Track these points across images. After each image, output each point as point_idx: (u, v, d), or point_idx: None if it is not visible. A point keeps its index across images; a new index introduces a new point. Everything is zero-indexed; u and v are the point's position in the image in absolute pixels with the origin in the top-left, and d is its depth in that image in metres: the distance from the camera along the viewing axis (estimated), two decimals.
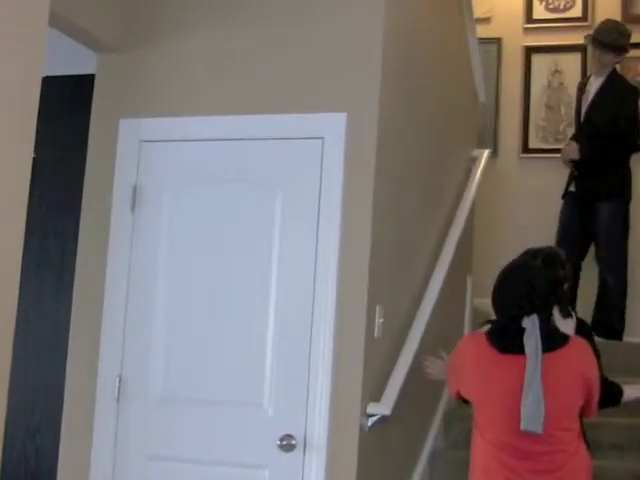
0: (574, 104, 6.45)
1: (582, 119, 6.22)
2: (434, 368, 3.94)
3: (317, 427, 3.75)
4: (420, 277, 4.67)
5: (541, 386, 3.18)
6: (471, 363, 3.43)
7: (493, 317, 3.84)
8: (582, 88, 6.32)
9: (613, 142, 5.97)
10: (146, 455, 3.96)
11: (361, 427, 3.76)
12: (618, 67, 6.31)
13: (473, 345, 3.48)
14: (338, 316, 3.78)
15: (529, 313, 3.31)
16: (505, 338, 3.35)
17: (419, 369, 4.01)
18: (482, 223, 6.46)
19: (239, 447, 3.85)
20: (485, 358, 3.36)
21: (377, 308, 3.90)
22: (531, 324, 3.29)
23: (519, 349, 3.28)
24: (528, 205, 6.84)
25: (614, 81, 6.17)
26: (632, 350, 5.68)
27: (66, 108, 4.57)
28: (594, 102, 6.12)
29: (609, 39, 6.02)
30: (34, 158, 3.15)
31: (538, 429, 3.18)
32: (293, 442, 3.75)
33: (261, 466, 3.81)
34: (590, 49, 6.29)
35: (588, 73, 6.57)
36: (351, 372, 3.76)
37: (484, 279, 5.86)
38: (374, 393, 3.88)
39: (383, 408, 3.85)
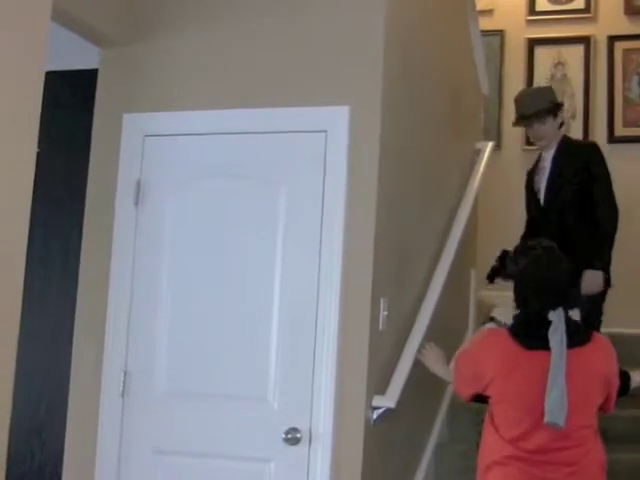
0: (525, 195, 5.16)
1: (542, 199, 5.00)
2: (430, 355, 3.93)
3: (322, 420, 3.75)
4: (424, 270, 4.67)
5: (565, 380, 3.16)
6: (493, 359, 3.36)
7: (494, 315, 3.84)
8: (532, 172, 5.12)
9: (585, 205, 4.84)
10: (151, 449, 3.97)
11: (366, 420, 3.76)
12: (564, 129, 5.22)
13: (495, 341, 3.40)
14: (343, 309, 3.78)
15: (554, 306, 3.29)
16: (530, 333, 3.31)
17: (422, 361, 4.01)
18: (486, 215, 6.45)
19: (244, 441, 3.85)
20: (508, 354, 3.31)
21: (381, 301, 3.90)
22: (557, 318, 3.26)
23: (544, 344, 3.24)
24: None
25: (568, 142, 5.03)
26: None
27: (69, 103, 4.57)
28: (552, 172, 4.94)
29: (539, 104, 4.89)
30: (38, 153, 3.16)
31: (561, 422, 3.15)
32: (298, 435, 3.75)
33: (266, 459, 3.82)
34: (527, 130, 5.17)
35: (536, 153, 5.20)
36: (356, 365, 3.76)
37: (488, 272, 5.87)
38: (379, 386, 3.88)
39: (388, 401, 3.85)
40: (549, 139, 4.95)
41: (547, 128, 4.91)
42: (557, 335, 3.22)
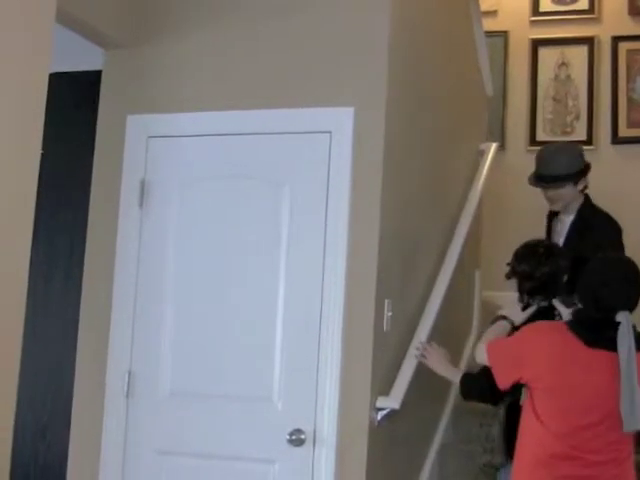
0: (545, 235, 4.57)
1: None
2: (432, 356, 3.92)
3: (326, 421, 3.75)
4: (429, 271, 4.67)
5: (637, 385, 3.12)
6: (546, 350, 3.28)
7: (503, 312, 3.83)
8: (550, 220, 4.57)
9: None
10: (156, 450, 3.97)
11: (370, 421, 3.76)
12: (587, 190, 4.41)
13: (550, 333, 3.33)
14: (347, 310, 3.78)
15: (623, 308, 3.23)
16: (596, 331, 3.25)
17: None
18: (490, 216, 6.45)
19: (248, 442, 3.85)
20: (565, 347, 3.24)
21: (386, 302, 3.90)
22: (625, 319, 3.20)
23: (609, 344, 3.19)
24: (536, 198, 6.81)
25: (589, 214, 4.34)
26: None
27: (73, 104, 4.57)
28: (566, 246, 4.26)
29: (560, 169, 4.26)
30: (42, 154, 3.16)
31: (638, 426, 3.14)
32: (302, 436, 3.75)
33: (270, 461, 3.82)
34: (542, 191, 4.40)
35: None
36: (360, 366, 3.76)
37: (493, 272, 5.86)
38: (383, 387, 3.88)
39: (392, 402, 3.85)
40: (565, 204, 4.34)
41: (564, 192, 4.29)
42: (625, 338, 3.16)
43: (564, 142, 4.58)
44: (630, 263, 3.39)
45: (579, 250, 4.01)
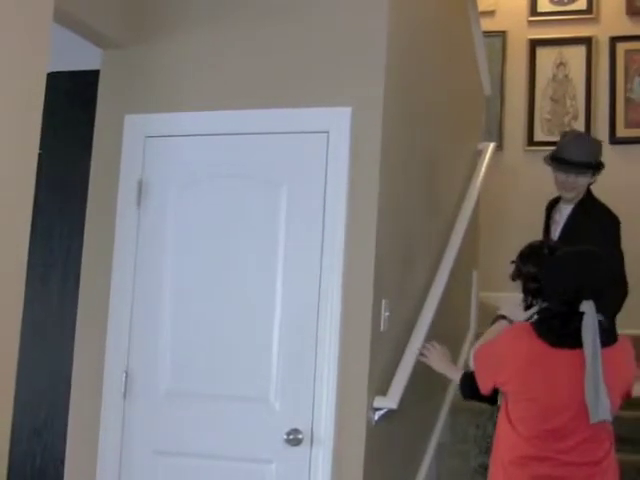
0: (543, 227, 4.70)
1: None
2: (433, 355, 3.92)
3: (324, 421, 3.75)
4: (426, 271, 4.67)
5: (601, 375, 3.09)
6: (514, 353, 3.26)
7: (502, 312, 3.82)
8: (550, 210, 4.64)
9: None
10: (153, 450, 3.97)
11: (368, 421, 3.76)
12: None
13: (517, 335, 3.30)
14: (344, 310, 3.78)
15: (587, 297, 3.17)
16: (558, 329, 3.21)
17: (423, 362, 4.01)
18: (488, 217, 6.45)
19: (246, 442, 3.85)
20: (531, 350, 3.21)
21: (383, 302, 3.90)
22: (590, 309, 3.15)
23: (572, 342, 3.15)
24: (534, 198, 6.81)
25: (589, 205, 4.44)
26: None
27: (71, 104, 4.57)
28: (563, 234, 4.43)
29: (589, 157, 4.33)
30: (39, 154, 3.16)
31: (608, 416, 3.13)
32: (300, 436, 3.75)
33: (268, 460, 3.82)
34: (559, 175, 4.40)
35: (557, 196, 4.60)
36: (357, 366, 3.76)
37: (490, 273, 5.87)
38: (380, 387, 3.88)
39: (390, 402, 3.85)
40: (578, 193, 4.40)
41: (583, 182, 4.35)
42: (590, 328, 3.12)
43: (583, 132, 4.58)
44: (593, 253, 3.34)
45: (576, 242, 3.87)
